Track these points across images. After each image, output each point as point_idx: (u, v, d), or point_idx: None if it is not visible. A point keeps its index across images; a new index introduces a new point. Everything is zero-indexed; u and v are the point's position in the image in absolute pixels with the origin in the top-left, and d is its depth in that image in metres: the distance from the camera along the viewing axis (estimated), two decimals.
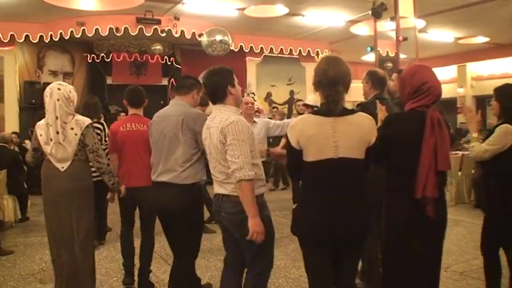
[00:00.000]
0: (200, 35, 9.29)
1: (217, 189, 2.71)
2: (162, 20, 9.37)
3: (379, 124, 2.74)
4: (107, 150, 4.20)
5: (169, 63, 11.11)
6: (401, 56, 8.59)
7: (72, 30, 9.30)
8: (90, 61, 10.59)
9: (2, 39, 9.54)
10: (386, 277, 2.58)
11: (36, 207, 7.25)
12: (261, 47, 11.68)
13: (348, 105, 2.43)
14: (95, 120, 4.88)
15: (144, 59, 10.95)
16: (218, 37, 8.70)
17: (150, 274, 3.95)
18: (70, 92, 3.32)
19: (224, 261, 2.94)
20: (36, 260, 4.88)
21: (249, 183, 2.47)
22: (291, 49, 11.98)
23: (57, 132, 3.20)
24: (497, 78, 12.78)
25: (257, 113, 10.83)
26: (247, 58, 12.02)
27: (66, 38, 9.53)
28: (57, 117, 3.21)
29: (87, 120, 3.34)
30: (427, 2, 8.26)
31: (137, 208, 3.92)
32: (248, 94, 11.26)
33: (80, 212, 3.29)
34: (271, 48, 11.79)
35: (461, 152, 7.81)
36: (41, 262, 4.80)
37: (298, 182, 2.45)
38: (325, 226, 2.27)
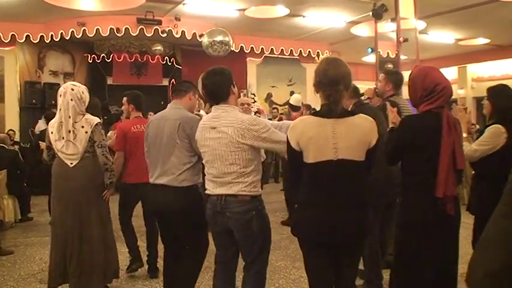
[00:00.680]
0: (201, 36, 9.29)
1: (219, 189, 2.67)
2: (163, 21, 9.38)
3: (390, 126, 2.76)
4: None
5: (169, 64, 11.13)
6: (402, 57, 8.59)
7: (72, 31, 9.31)
8: (90, 61, 10.61)
9: (3, 39, 9.55)
10: (402, 277, 2.57)
11: (36, 207, 7.25)
12: (262, 48, 11.70)
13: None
14: None
15: (145, 59, 10.98)
16: (219, 38, 8.69)
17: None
18: (83, 92, 3.52)
19: (218, 263, 2.89)
20: (36, 260, 4.87)
21: None
22: (291, 50, 12.00)
23: (69, 131, 3.35)
24: (497, 79, 12.77)
25: (258, 114, 10.86)
26: (247, 59, 12.04)
27: (67, 38, 9.55)
28: (69, 116, 3.37)
29: (97, 119, 3.49)
30: (427, 3, 8.27)
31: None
32: (245, 94, 11.29)
33: (89, 208, 3.41)
34: (272, 49, 11.80)
35: None
36: (41, 262, 4.80)
37: (295, 184, 2.44)
38: (325, 227, 2.27)
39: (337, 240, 2.30)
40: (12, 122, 9.93)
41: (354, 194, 2.31)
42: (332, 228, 2.26)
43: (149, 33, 9.42)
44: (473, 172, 3.66)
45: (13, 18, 9.21)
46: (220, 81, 2.70)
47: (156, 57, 10.93)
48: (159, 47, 10.55)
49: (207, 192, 2.75)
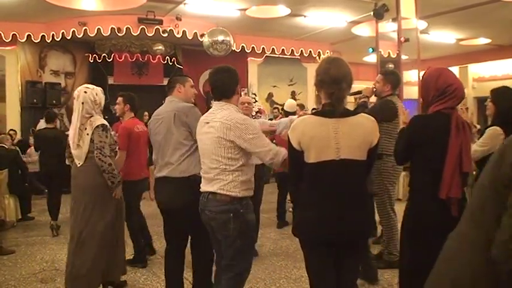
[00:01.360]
0: (202, 36, 9.30)
1: (205, 186, 2.71)
2: (164, 20, 9.37)
3: (401, 126, 2.79)
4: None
5: (170, 64, 11.12)
6: (403, 57, 8.59)
7: (74, 30, 9.30)
8: (91, 61, 10.60)
9: (4, 39, 9.55)
10: (407, 277, 2.57)
11: (37, 206, 7.27)
12: (263, 48, 11.69)
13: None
14: None
15: (146, 59, 10.97)
16: (220, 37, 8.70)
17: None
18: (97, 94, 3.59)
19: (216, 264, 2.91)
20: (37, 260, 4.88)
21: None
22: (292, 50, 11.98)
23: (77, 133, 3.51)
24: (499, 79, 12.77)
25: (259, 114, 10.86)
26: (248, 58, 12.03)
27: (68, 38, 9.54)
28: (78, 119, 3.49)
29: (99, 121, 3.52)
30: (428, 3, 8.26)
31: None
32: (246, 93, 11.28)
33: (91, 207, 3.49)
34: (273, 48, 11.79)
35: None
36: (42, 262, 4.81)
37: (295, 184, 2.45)
38: (326, 227, 2.27)
39: (338, 241, 2.30)
40: (14, 121, 9.92)
41: (356, 194, 2.30)
42: (333, 228, 2.26)
43: (150, 33, 9.42)
44: (474, 173, 3.71)
45: (14, 17, 9.21)
46: (227, 78, 2.74)
47: (157, 57, 10.93)
48: (160, 47, 10.55)
49: (200, 189, 2.78)
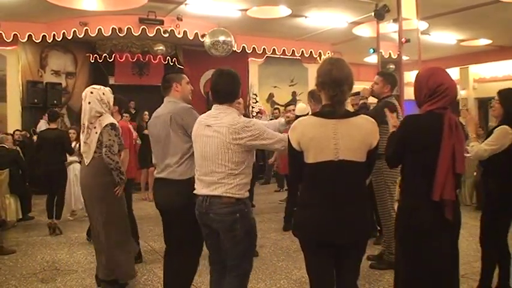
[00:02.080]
0: (203, 36, 9.30)
1: (204, 190, 2.68)
2: (165, 21, 9.38)
3: (391, 130, 2.77)
4: None
5: (171, 64, 11.12)
6: (404, 58, 8.58)
7: (74, 30, 9.32)
8: (92, 61, 10.61)
9: (5, 39, 9.56)
10: (402, 280, 2.55)
11: (37, 206, 7.27)
12: (264, 48, 11.70)
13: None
14: None
15: (147, 59, 10.97)
16: (221, 38, 8.70)
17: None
18: (103, 94, 3.67)
19: (212, 265, 2.89)
20: (38, 260, 4.88)
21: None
22: (293, 50, 11.99)
23: (85, 132, 3.61)
24: (499, 80, 12.76)
25: (259, 114, 10.87)
26: (249, 59, 12.04)
27: (69, 38, 9.55)
28: (86, 118, 3.58)
29: (108, 120, 3.60)
30: (429, 4, 8.26)
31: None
32: (247, 93, 11.29)
33: (93, 204, 3.63)
34: (274, 49, 11.80)
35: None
36: (43, 261, 4.81)
37: (296, 185, 2.45)
38: (326, 228, 2.27)
39: (337, 241, 2.29)
40: (14, 121, 9.93)
41: (354, 195, 2.30)
42: (332, 229, 2.26)
43: (151, 33, 9.43)
44: (474, 174, 3.77)
45: (15, 17, 9.21)
46: (232, 83, 2.74)
47: (158, 57, 10.93)
48: (161, 47, 10.55)
49: (194, 192, 2.75)
